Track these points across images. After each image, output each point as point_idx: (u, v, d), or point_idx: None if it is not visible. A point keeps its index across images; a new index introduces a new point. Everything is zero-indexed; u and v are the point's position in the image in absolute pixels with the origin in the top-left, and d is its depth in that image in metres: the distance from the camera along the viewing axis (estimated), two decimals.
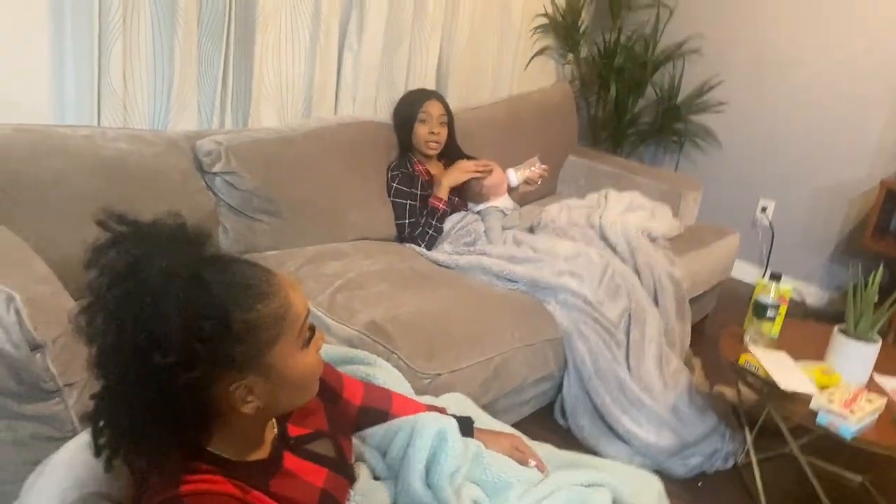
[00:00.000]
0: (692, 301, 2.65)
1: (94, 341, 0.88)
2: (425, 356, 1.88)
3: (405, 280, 2.23)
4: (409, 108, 2.64)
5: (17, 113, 1.93)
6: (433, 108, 2.62)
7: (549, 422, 2.31)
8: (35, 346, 1.10)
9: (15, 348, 1.09)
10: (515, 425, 1.63)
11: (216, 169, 2.10)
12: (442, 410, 1.40)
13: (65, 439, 1.15)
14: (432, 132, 2.60)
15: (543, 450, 1.51)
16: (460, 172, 2.59)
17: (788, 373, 1.93)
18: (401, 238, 2.59)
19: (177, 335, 0.85)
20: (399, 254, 2.45)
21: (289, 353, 0.95)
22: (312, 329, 1.00)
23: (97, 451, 0.92)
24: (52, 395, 1.15)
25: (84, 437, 1.11)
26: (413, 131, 2.62)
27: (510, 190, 2.69)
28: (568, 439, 2.23)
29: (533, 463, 1.39)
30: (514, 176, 2.67)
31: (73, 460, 1.05)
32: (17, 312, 1.09)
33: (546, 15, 3.53)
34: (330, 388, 1.22)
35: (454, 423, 1.28)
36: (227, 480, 0.94)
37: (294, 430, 1.10)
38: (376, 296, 2.09)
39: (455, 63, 3.07)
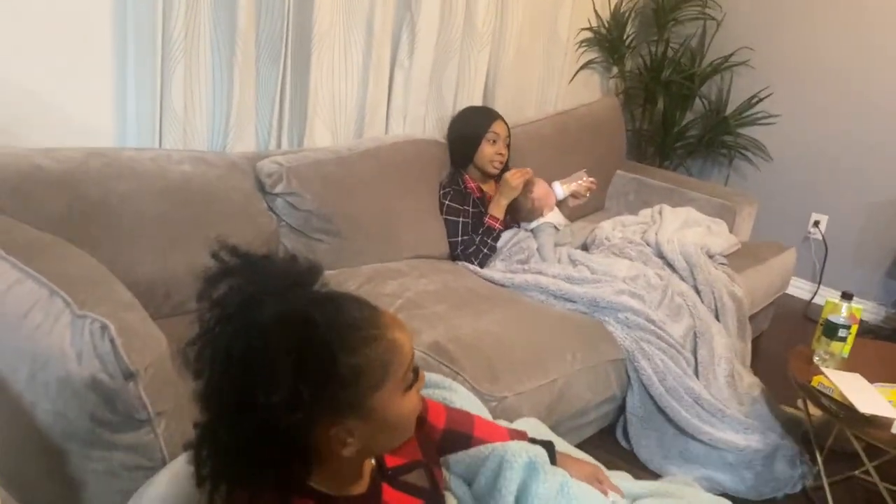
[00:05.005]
0: (749, 319, 2.59)
1: (201, 375, 0.87)
2: (489, 378, 1.85)
3: (462, 300, 2.21)
4: (475, 127, 2.62)
5: (83, 137, 1.95)
6: (501, 129, 2.61)
7: (610, 444, 2.27)
8: (128, 375, 1.09)
9: (110, 378, 1.08)
10: (577, 447, 1.60)
11: (278, 190, 2.10)
12: (523, 435, 1.37)
13: (154, 469, 1.14)
14: (499, 153, 2.59)
15: (618, 478, 1.48)
16: (512, 187, 2.54)
17: (865, 396, 1.87)
18: (453, 256, 2.57)
19: (284, 377, 0.83)
20: (453, 272, 2.43)
21: (391, 397, 0.93)
22: (416, 371, 0.98)
23: (200, 481, 0.91)
24: (144, 424, 1.14)
25: (175, 468, 1.10)
26: (479, 150, 2.60)
27: (558, 204, 2.66)
28: (630, 461, 2.19)
29: (612, 498, 1.35)
30: (560, 189, 2.62)
31: (166, 495, 1.04)
32: (112, 342, 1.09)
33: (591, 28, 3.51)
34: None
35: (544, 453, 1.25)
36: None
37: (391, 461, 1.08)
38: (435, 316, 2.07)
39: (503, 78, 3.05)
